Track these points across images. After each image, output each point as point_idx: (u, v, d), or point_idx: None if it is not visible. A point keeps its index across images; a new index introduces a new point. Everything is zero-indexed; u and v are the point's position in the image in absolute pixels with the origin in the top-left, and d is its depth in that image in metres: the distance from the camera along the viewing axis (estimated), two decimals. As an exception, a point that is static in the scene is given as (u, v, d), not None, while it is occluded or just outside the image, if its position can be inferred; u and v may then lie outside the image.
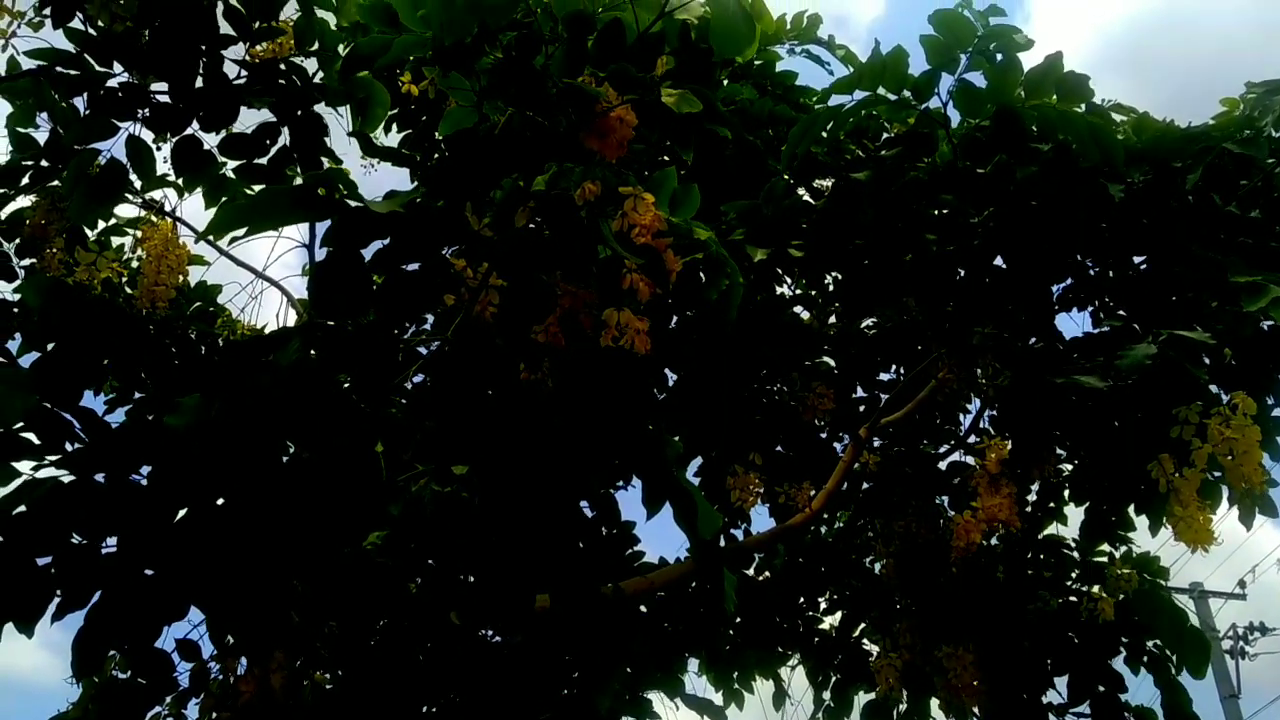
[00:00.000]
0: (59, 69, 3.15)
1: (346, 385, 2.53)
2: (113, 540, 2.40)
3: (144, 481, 2.34)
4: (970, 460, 4.73)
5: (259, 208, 2.13)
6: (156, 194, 4.43)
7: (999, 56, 3.69)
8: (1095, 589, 4.12)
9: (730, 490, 4.12)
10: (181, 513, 2.26)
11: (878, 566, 4.98)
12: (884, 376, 5.18)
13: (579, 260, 2.51)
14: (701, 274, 2.89)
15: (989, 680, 4.02)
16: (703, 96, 2.41)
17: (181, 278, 4.18)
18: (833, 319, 5.20)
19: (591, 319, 2.59)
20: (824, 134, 4.64)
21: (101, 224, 4.69)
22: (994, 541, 4.54)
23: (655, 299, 2.64)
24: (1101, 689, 4.12)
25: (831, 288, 5.10)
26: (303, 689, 2.38)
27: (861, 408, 5.02)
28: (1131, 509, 4.48)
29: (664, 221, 2.60)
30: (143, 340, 2.46)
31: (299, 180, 3.32)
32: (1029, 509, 4.67)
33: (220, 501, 2.20)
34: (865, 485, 4.85)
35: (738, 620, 5.34)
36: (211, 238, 4.06)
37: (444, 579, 2.80)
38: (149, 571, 2.35)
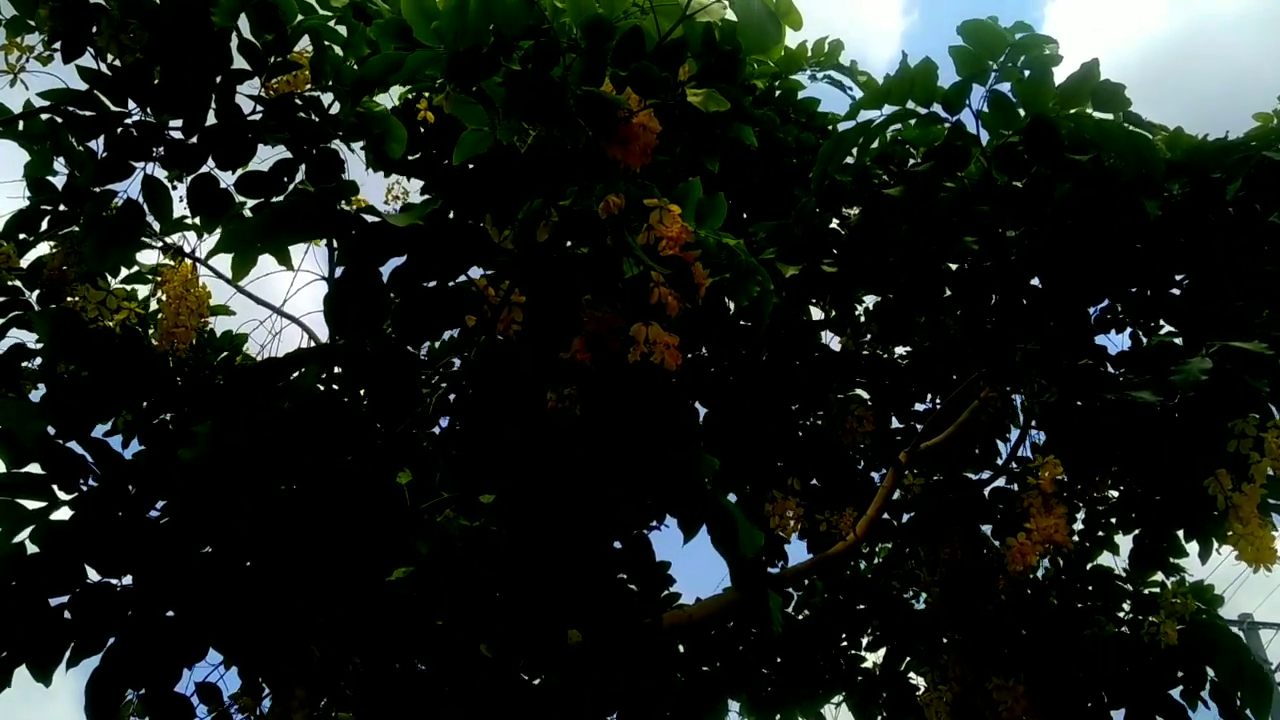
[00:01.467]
0: (72, 109, 3.09)
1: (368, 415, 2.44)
2: (128, 579, 2.32)
3: (159, 515, 2.26)
4: (1014, 487, 4.62)
5: (269, 226, 2.05)
6: (175, 238, 4.40)
7: (1026, 73, 3.60)
8: (1159, 615, 3.95)
9: (769, 518, 3.98)
10: (198, 547, 2.17)
11: (922, 598, 4.86)
12: (919, 407, 5.09)
13: (604, 275, 2.42)
14: (728, 295, 2.80)
15: (1042, 713, 3.85)
16: (730, 95, 2.32)
17: (201, 319, 4.11)
18: (865, 351, 5.10)
19: (619, 341, 2.50)
20: (850, 157, 4.55)
21: (125, 271, 4.65)
22: (1040, 572, 4.42)
23: (684, 320, 2.54)
24: (1162, 721, 3.94)
25: (864, 316, 5.01)
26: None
27: (898, 438, 4.90)
28: (1181, 534, 4.35)
29: (691, 234, 2.51)
30: (155, 368, 2.38)
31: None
32: (1075, 537, 4.54)
33: (237, 534, 2.10)
34: (906, 516, 4.75)
35: (778, 660, 5.22)
36: (230, 276, 4.01)
37: (473, 613, 2.69)
38: (167, 611, 2.26)
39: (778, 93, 5.80)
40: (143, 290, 4.79)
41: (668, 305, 2.44)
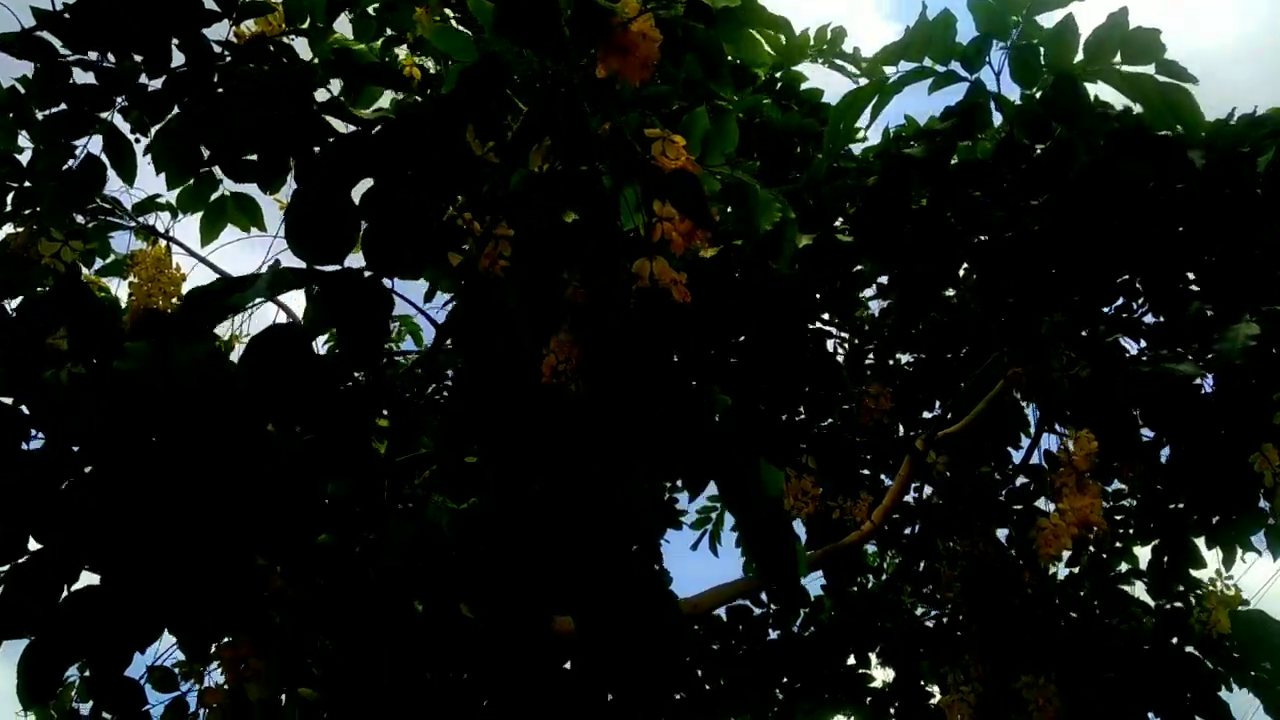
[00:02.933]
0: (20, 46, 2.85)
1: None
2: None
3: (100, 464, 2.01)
4: (1030, 485, 4.43)
5: (218, 121, 1.80)
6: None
7: (1040, 46, 3.39)
8: (1210, 600, 3.72)
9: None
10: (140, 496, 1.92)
11: (933, 612, 4.68)
12: (926, 415, 4.92)
13: (601, 207, 2.19)
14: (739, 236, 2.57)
15: (1074, 714, 3.60)
16: (742, -7, 2.09)
17: (175, 302, 3.88)
18: (870, 360, 4.92)
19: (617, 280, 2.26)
20: (857, 139, 4.36)
21: (100, 261, 4.47)
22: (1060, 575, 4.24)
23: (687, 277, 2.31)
24: (1203, 725, 3.70)
25: (868, 324, 4.84)
26: (285, 706, 2.00)
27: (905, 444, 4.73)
28: (1202, 542, 4.14)
29: (697, 167, 2.29)
30: (103, 314, 2.15)
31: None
32: (1091, 549, 4.35)
33: (184, 477, 1.85)
34: (919, 525, 4.58)
35: (784, 679, 5.00)
36: (197, 248, 3.79)
37: (457, 593, 2.44)
38: (109, 573, 2.01)
39: (779, 84, 5.64)
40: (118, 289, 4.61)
41: (672, 243, 2.22)
